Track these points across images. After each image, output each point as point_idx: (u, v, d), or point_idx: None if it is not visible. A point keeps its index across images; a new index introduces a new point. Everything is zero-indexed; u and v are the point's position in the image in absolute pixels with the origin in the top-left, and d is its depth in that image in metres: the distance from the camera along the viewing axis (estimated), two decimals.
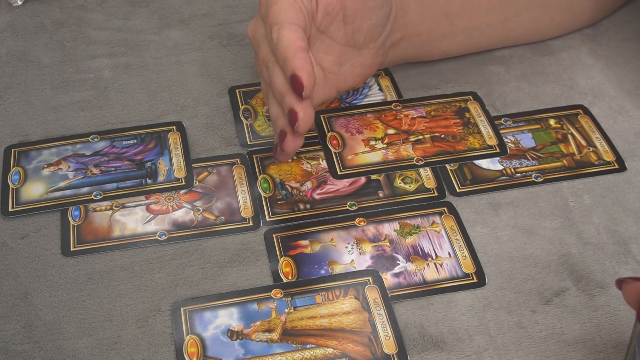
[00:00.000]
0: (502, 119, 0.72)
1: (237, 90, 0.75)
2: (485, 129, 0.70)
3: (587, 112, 0.72)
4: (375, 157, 0.68)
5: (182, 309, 0.58)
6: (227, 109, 0.74)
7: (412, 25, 0.70)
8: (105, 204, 0.65)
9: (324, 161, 0.68)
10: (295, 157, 0.69)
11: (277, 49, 0.59)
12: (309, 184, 0.67)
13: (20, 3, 0.85)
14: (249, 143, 0.70)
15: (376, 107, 0.72)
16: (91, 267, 0.61)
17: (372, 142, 0.69)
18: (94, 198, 0.65)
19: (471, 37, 0.74)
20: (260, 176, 0.67)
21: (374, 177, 0.67)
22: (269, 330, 0.57)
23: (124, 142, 0.70)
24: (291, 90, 0.59)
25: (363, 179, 0.67)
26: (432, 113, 0.72)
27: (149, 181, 0.67)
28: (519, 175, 0.67)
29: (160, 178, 0.67)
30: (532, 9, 0.74)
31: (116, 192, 0.66)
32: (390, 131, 0.70)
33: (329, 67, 0.66)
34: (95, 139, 0.70)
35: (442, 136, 0.70)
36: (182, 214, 0.64)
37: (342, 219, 0.64)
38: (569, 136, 0.70)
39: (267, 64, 0.62)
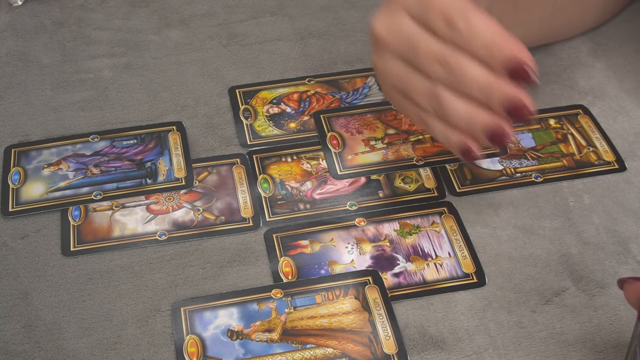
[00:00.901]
0: None
1: (237, 90, 0.75)
2: None
3: (587, 112, 0.72)
4: (375, 157, 0.68)
5: (182, 309, 0.58)
6: (227, 109, 0.74)
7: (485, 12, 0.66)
8: (105, 204, 0.65)
9: (324, 161, 0.68)
10: (295, 157, 0.69)
11: (475, 39, 0.52)
12: (309, 184, 0.67)
13: (20, 3, 0.85)
14: (249, 143, 0.70)
15: (376, 107, 0.72)
16: (91, 267, 0.61)
17: (372, 142, 0.69)
18: (94, 198, 0.65)
19: (526, 31, 0.69)
20: (260, 176, 0.67)
21: (374, 177, 0.67)
22: (269, 330, 0.57)
23: (124, 142, 0.70)
24: (508, 78, 0.53)
25: (363, 179, 0.67)
26: None
27: (149, 181, 0.67)
28: (519, 175, 0.67)
29: (160, 178, 0.67)
30: (573, 7, 0.74)
31: (116, 192, 0.66)
32: (390, 131, 0.70)
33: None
34: (95, 139, 0.70)
35: None
36: (182, 214, 0.64)
37: (342, 219, 0.64)
38: (569, 136, 0.70)
39: (445, 60, 0.54)
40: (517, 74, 0.52)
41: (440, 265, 0.61)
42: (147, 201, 0.65)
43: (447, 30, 0.53)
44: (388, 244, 0.62)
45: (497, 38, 0.52)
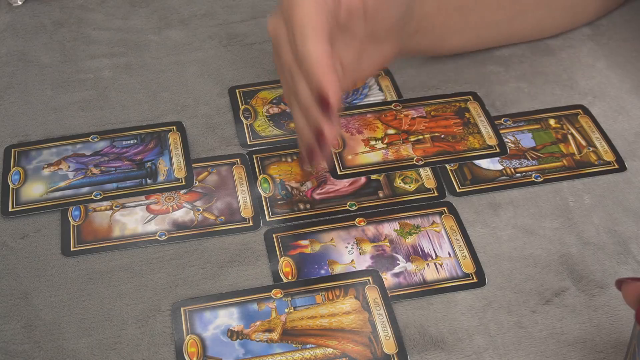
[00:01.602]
0: (502, 119, 0.72)
1: (237, 90, 0.75)
2: (485, 129, 0.70)
3: (587, 112, 0.72)
4: (375, 157, 0.68)
5: (182, 309, 0.58)
6: (227, 109, 0.74)
7: (428, 17, 0.70)
8: (105, 204, 0.65)
9: (324, 161, 0.68)
10: (295, 157, 0.69)
11: (303, 62, 0.57)
12: (309, 184, 0.67)
13: (20, 3, 0.85)
14: (249, 143, 0.70)
15: (376, 107, 0.72)
16: (91, 267, 0.61)
17: (372, 142, 0.69)
18: (94, 198, 0.65)
19: (479, 35, 0.75)
20: (260, 176, 0.67)
21: (374, 177, 0.67)
22: (269, 330, 0.57)
23: (124, 142, 0.70)
24: (317, 106, 0.57)
25: (363, 179, 0.67)
26: (432, 113, 0.72)
27: (149, 181, 0.67)
28: (519, 175, 0.67)
29: (160, 178, 0.67)
30: (537, 9, 0.75)
31: (116, 192, 0.66)
32: (390, 131, 0.70)
33: (349, 62, 0.63)
34: (95, 139, 0.70)
35: (442, 136, 0.70)
36: (182, 214, 0.64)
37: (342, 219, 0.64)
38: (569, 136, 0.70)
39: (291, 71, 0.59)
40: (321, 105, 0.57)
41: (440, 265, 0.61)
42: (147, 201, 0.65)
43: (295, 48, 0.58)
44: (388, 244, 0.62)
45: (318, 71, 0.56)
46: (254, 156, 0.69)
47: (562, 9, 0.76)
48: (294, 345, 0.56)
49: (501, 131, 0.70)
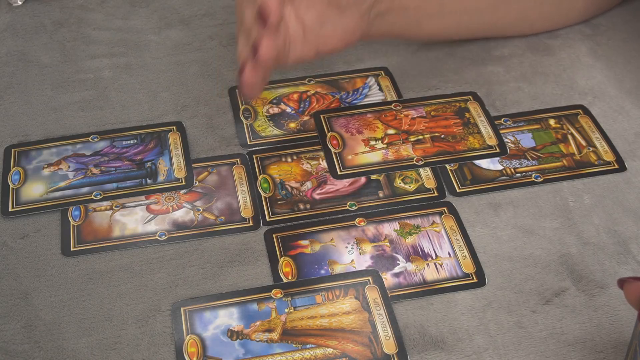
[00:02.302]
0: (502, 119, 0.72)
1: (237, 90, 0.75)
2: (485, 129, 0.70)
3: (587, 112, 0.72)
4: (375, 157, 0.68)
5: (182, 309, 0.58)
6: (227, 109, 0.74)
7: None
8: (105, 204, 0.65)
9: (324, 161, 0.68)
10: (295, 157, 0.69)
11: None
12: (309, 184, 0.67)
13: (20, 3, 0.85)
14: (249, 143, 0.70)
15: (376, 107, 0.72)
16: (91, 267, 0.61)
17: (372, 142, 0.69)
18: (94, 198, 0.65)
19: (460, 21, 0.74)
20: (260, 176, 0.67)
21: (374, 177, 0.67)
22: (269, 330, 0.57)
23: (124, 142, 0.70)
24: (258, 21, 0.60)
25: (363, 179, 0.67)
26: (432, 113, 0.72)
27: (149, 181, 0.67)
28: (519, 175, 0.67)
29: (160, 178, 0.67)
30: None
31: (116, 192, 0.66)
32: (390, 131, 0.70)
33: (310, 24, 0.64)
34: (95, 139, 0.70)
35: (442, 136, 0.70)
36: (182, 214, 0.64)
37: (342, 219, 0.64)
38: (569, 136, 0.70)
39: (243, 4, 0.62)
40: (260, 16, 0.59)
41: (440, 265, 0.61)
42: (147, 201, 0.65)
43: None
44: (388, 244, 0.62)
45: None
46: (254, 156, 0.69)
47: (548, 1, 0.76)
48: (294, 345, 0.56)
49: (501, 131, 0.70)
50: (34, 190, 0.66)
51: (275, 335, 0.56)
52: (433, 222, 0.64)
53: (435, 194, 0.66)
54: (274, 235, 0.63)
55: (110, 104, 0.74)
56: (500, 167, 0.68)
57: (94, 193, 0.66)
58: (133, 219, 0.64)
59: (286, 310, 0.58)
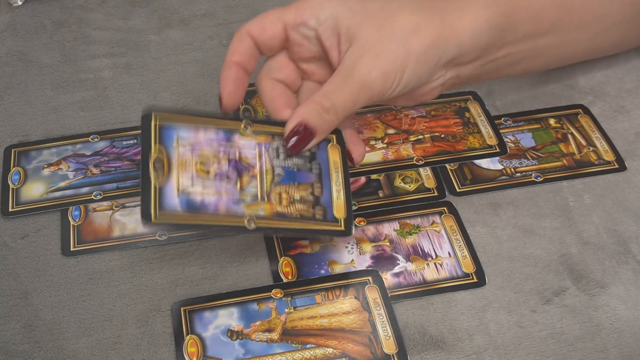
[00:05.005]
0: (502, 119, 0.72)
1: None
2: (485, 128, 0.70)
3: (587, 111, 0.72)
4: (375, 157, 0.68)
5: (182, 309, 0.58)
6: None
7: (487, 52, 0.61)
8: (105, 204, 0.65)
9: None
10: None
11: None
12: None
13: (20, 3, 0.85)
14: None
15: (376, 107, 0.72)
16: (91, 267, 0.61)
17: (372, 142, 0.69)
18: (94, 198, 0.65)
19: (554, 55, 0.67)
20: None
21: (374, 176, 0.67)
22: (269, 330, 0.57)
23: (124, 142, 0.70)
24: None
25: (363, 179, 0.67)
26: (432, 113, 0.72)
27: None
28: (519, 175, 0.67)
29: None
30: (622, 23, 0.67)
31: (116, 192, 0.66)
32: (390, 131, 0.70)
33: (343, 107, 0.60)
34: (95, 139, 0.70)
35: (442, 136, 0.70)
36: None
37: None
38: (569, 136, 0.70)
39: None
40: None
41: (440, 265, 0.61)
42: None
43: None
44: (388, 243, 0.62)
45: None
46: None
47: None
48: (294, 345, 0.56)
49: (501, 131, 0.70)
50: (34, 190, 0.66)
51: (275, 335, 0.57)
52: (433, 222, 0.64)
53: (435, 194, 0.66)
54: (274, 235, 0.63)
55: (110, 104, 0.74)
56: (500, 167, 0.68)
57: (94, 193, 0.66)
58: (133, 219, 0.64)
59: (286, 310, 0.58)
